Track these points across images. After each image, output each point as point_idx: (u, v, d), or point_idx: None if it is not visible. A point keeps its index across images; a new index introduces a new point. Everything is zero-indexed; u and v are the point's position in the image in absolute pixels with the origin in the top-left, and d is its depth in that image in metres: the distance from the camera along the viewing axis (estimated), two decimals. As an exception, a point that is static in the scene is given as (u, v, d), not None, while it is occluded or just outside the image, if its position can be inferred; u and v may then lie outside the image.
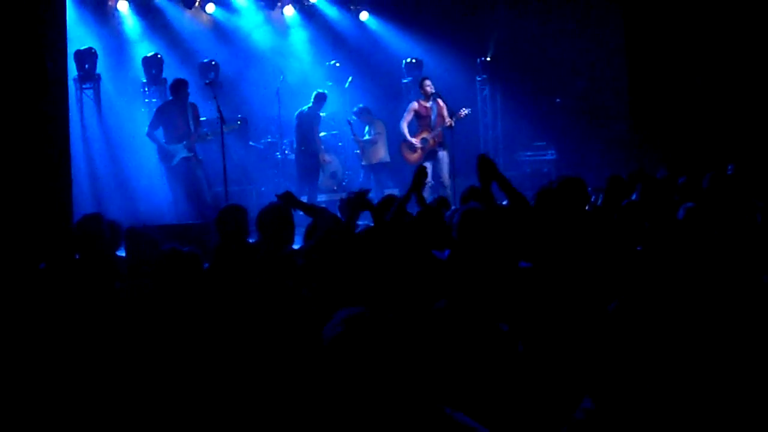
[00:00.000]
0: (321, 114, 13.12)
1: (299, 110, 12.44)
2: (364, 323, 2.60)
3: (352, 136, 13.15)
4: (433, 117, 11.82)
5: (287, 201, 5.80)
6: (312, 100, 12.43)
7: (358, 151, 13.27)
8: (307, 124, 12.36)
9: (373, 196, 11.44)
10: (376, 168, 12.90)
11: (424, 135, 11.86)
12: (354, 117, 13.18)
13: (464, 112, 11.76)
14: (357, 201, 5.60)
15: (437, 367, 3.03)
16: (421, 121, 11.91)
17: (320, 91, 12.55)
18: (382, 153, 12.92)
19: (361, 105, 13.18)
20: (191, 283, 4.38)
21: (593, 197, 7.35)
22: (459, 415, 2.57)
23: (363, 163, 13.03)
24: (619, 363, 2.85)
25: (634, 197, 6.77)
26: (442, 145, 11.83)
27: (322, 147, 12.65)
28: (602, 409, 2.77)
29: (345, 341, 2.57)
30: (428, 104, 11.86)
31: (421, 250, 5.22)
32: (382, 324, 2.60)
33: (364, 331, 2.58)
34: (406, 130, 11.90)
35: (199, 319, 4.13)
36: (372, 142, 12.87)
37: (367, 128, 13.02)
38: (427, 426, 2.51)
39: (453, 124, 11.60)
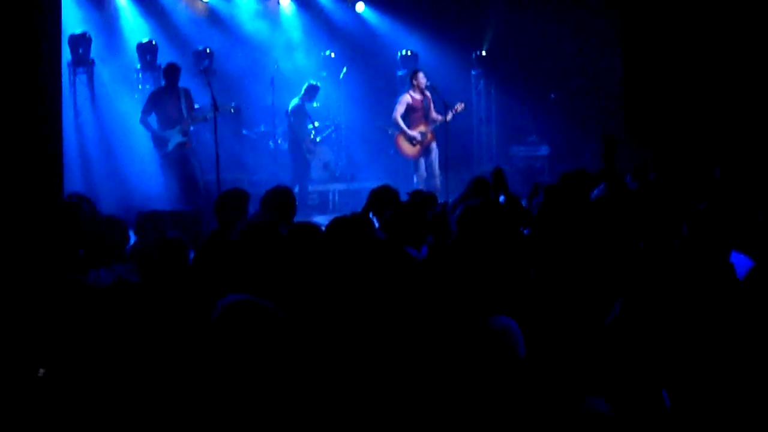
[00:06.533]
0: (314, 104, 13.08)
1: (293, 103, 12.40)
2: (241, 311, 2.81)
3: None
4: (426, 110, 11.77)
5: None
6: (303, 91, 12.41)
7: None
8: (299, 116, 12.34)
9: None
10: None
11: (422, 129, 11.78)
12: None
13: (460, 107, 11.67)
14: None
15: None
16: (414, 114, 11.77)
17: (312, 82, 12.52)
18: None
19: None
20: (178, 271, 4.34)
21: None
22: None
23: None
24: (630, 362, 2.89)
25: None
26: (434, 138, 11.82)
27: (310, 138, 12.58)
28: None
29: (220, 325, 2.79)
30: (420, 97, 11.79)
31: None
32: (260, 314, 2.75)
33: (239, 318, 2.79)
34: (402, 123, 11.74)
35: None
36: None
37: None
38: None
39: (448, 120, 11.53)
